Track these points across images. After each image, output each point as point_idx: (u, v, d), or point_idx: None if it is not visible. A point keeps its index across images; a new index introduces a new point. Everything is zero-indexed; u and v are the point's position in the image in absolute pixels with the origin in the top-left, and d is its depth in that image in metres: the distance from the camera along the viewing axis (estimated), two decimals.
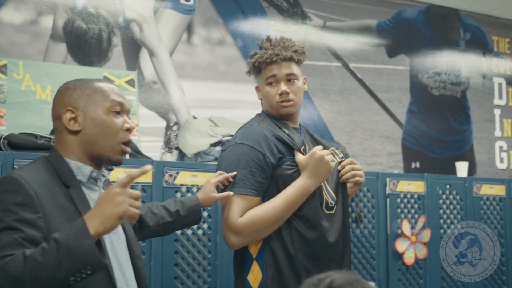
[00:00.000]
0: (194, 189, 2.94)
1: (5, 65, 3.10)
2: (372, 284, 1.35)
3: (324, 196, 2.37)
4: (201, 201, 2.27)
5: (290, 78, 2.38)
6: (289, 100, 2.36)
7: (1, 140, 2.71)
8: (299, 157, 2.34)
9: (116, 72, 3.40)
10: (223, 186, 2.27)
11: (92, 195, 1.70)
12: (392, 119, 4.70)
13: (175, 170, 2.89)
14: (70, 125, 1.68)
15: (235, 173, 2.19)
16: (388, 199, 3.50)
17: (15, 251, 1.47)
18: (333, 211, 2.40)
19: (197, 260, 2.91)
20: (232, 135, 3.37)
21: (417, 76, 4.86)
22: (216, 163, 3.14)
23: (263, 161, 2.29)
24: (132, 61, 3.55)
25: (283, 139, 2.34)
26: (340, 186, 2.46)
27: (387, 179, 3.52)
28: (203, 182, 2.95)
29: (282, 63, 2.38)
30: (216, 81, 3.77)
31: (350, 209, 3.29)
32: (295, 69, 2.41)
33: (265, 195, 2.33)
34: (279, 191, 2.32)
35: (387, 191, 3.51)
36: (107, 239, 1.69)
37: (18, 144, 2.71)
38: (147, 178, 2.81)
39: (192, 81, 3.72)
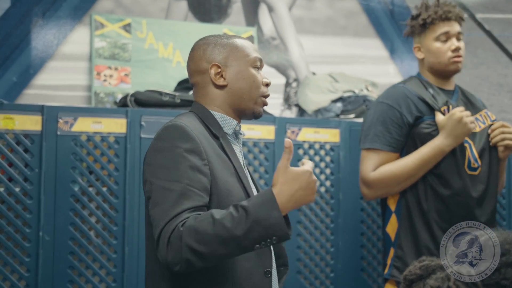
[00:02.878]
0: (317, 146, 2.89)
1: (129, 24, 3.16)
2: None
3: (468, 155, 2.44)
4: None
5: (459, 37, 2.54)
6: (460, 56, 2.51)
7: (128, 97, 2.79)
8: (439, 117, 2.43)
9: (236, 29, 3.38)
10: None
11: (234, 149, 1.74)
12: None
13: (297, 126, 2.86)
14: (217, 80, 1.72)
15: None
16: None
17: (193, 201, 1.53)
18: (476, 172, 2.45)
19: (320, 218, 2.89)
20: (353, 91, 3.31)
21: None
22: (337, 119, 3.10)
23: (399, 119, 2.44)
24: (251, 17, 3.52)
25: (425, 98, 2.45)
26: (488, 149, 2.52)
27: None
28: (325, 139, 2.90)
29: (453, 21, 2.52)
30: (335, 35, 3.67)
31: None
32: (461, 30, 2.56)
33: (403, 153, 2.46)
34: (416, 149, 2.43)
35: None
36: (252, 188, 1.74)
37: (144, 101, 2.77)
38: (270, 135, 2.80)
39: (311, 36, 3.65)
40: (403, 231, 2.43)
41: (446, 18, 2.51)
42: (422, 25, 2.54)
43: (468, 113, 2.42)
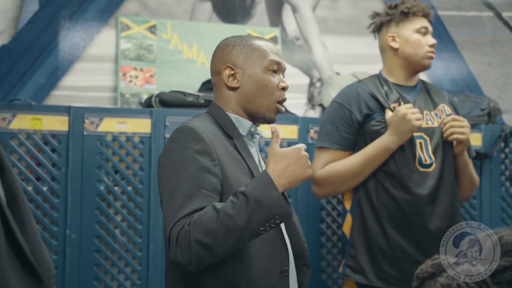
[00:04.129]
0: None
1: (154, 26, 3.20)
2: None
3: (418, 152, 2.41)
4: None
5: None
6: (434, 53, 2.53)
7: (153, 98, 2.83)
8: (388, 114, 2.42)
9: (260, 29, 3.41)
10: None
11: (250, 150, 1.75)
12: None
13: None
14: (229, 82, 1.73)
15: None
16: None
17: (201, 202, 1.56)
18: (430, 169, 2.42)
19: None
20: None
21: None
22: None
23: (348, 117, 2.44)
24: (275, 18, 3.54)
25: (376, 96, 2.45)
26: (442, 145, 2.48)
27: None
28: None
29: (428, 21, 2.56)
30: (359, 35, 3.67)
31: (503, 166, 3.14)
32: None
33: (355, 151, 2.46)
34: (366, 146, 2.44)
35: None
36: None
37: (168, 101, 2.81)
38: (293, 135, 2.82)
39: (335, 37, 3.65)
40: (356, 230, 2.43)
41: (425, 15, 2.54)
42: (404, 14, 2.52)
43: (415, 110, 2.39)
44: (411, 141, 2.41)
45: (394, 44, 2.53)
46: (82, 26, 3.12)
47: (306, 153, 1.59)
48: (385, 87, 2.49)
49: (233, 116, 1.74)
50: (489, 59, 4.18)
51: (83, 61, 3.12)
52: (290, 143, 2.81)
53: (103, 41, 3.15)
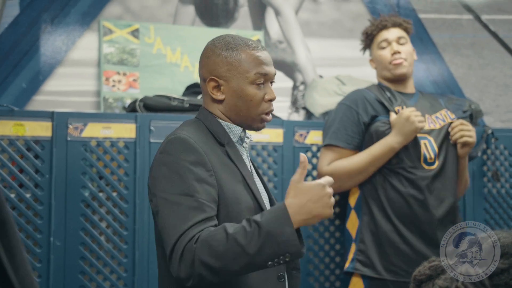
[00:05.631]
0: None
1: (137, 30, 3.17)
2: None
3: (423, 150, 2.59)
4: None
5: (401, 41, 2.71)
6: (401, 59, 2.66)
7: (137, 103, 2.80)
8: (392, 116, 2.59)
9: (243, 33, 3.39)
10: None
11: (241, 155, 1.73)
12: None
13: (305, 129, 2.87)
14: (214, 94, 1.69)
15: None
16: None
17: (204, 213, 1.52)
18: (433, 167, 2.60)
19: (329, 219, 2.90)
20: None
21: None
22: None
23: (356, 118, 2.61)
24: (258, 21, 3.53)
25: (381, 100, 2.63)
26: (446, 145, 2.66)
27: None
28: None
29: (391, 29, 2.71)
30: (342, 38, 3.68)
31: (486, 167, 3.18)
32: (405, 34, 2.74)
33: (362, 150, 2.61)
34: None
35: None
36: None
37: (153, 106, 2.79)
38: (278, 138, 2.81)
39: (318, 39, 3.66)
40: (364, 226, 2.56)
41: (383, 27, 2.71)
42: (369, 39, 2.76)
43: (417, 112, 2.57)
44: (416, 141, 2.58)
45: (373, 65, 2.80)
46: (64, 30, 3.09)
47: (330, 191, 1.51)
48: (388, 93, 2.67)
49: (223, 123, 1.71)
50: (470, 61, 4.22)
51: (65, 65, 3.08)
52: (275, 147, 2.80)
53: (85, 45, 3.11)
